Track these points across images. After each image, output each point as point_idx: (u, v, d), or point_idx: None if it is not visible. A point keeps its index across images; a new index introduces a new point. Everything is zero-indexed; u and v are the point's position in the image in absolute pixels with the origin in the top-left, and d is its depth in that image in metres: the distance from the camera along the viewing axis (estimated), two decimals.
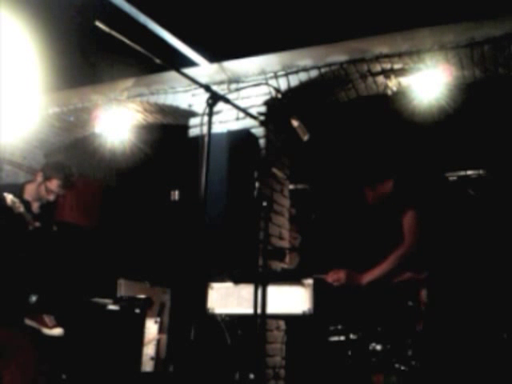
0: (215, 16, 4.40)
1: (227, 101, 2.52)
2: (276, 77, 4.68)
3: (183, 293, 4.25)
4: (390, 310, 2.96)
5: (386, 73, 4.45)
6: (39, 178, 3.57)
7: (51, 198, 3.59)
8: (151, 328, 4.75)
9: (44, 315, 3.40)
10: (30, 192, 3.58)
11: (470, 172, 6.26)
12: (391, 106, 4.73)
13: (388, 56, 4.28)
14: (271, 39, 4.53)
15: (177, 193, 4.32)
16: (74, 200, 6.33)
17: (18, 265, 3.36)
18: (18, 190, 3.55)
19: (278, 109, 4.63)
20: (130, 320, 4.08)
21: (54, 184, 3.55)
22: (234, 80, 4.83)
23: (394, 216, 2.96)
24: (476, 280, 2.87)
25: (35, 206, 3.60)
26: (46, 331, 3.38)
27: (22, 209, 3.27)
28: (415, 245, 2.84)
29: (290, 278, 2.95)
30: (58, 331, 3.41)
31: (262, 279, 2.59)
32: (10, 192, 3.33)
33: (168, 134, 5.95)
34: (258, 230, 4.03)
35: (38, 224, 3.37)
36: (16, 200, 3.26)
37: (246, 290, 2.94)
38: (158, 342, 4.80)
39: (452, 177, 6.21)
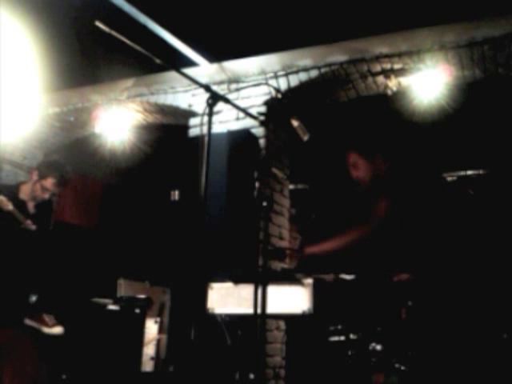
0: (215, 16, 4.40)
1: (227, 101, 2.52)
2: (276, 77, 4.68)
3: (183, 293, 4.24)
4: (389, 309, 2.96)
5: (386, 73, 4.44)
6: (34, 177, 3.60)
7: (46, 196, 3.61)
8: (151, 328, 4.75)
9: (44, 315, 3.41)
10: (25, 192, 3.61)
11: (470, 172, 6.27)
12: (391, 106, 4.73)
13: (388, 56, 4.29)
14: (271, 39, 4.52)
15: (177, 193, 4.32)
16: (73, 200, 6.34)
17: (15, 264, 3.36)
18: (13, 191, 3.57)
19: (277, 109, 4.63)
20: (130, 320, 4.08)
21: (49, 182, 3.57)
22: (233, 80, 4.83)
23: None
24: (470, 280, 2.87)
25: (31, 206, 3.61)
26: (46, 330, 3.38)
27: (10, 207, 3.27)
28: (373, 230, 2.87)
29: (290, 278, 2.95)
30: (58, 330, 3.42)
31: (261, 279, 2.59)
32: (5, 192, 3.34)
33: (168, 133, 5.94)
34: (258, 230, 4.03)
35: (30, 222, 3.37)
36: (3, 198, 3.26)
37: (246, 290, 2.93)
38: (158, 341, 4.80)
39: (452, 177, 6.22)
